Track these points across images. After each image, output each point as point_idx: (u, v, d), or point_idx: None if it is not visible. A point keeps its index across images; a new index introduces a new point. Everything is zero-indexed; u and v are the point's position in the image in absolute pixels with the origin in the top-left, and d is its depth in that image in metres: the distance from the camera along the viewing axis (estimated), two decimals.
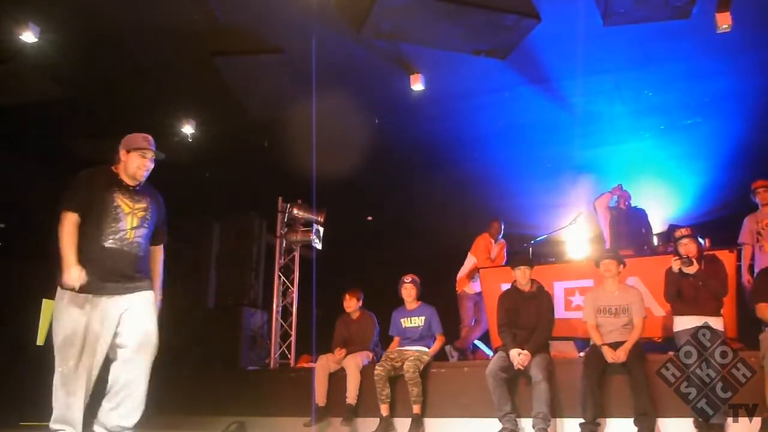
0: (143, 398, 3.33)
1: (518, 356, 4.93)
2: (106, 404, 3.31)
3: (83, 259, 3.23)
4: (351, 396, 5.67)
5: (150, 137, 3.54)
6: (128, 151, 3.46)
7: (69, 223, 3.27)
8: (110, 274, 3.30)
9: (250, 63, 6.15)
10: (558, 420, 5.04)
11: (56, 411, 3.24)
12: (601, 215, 7.19)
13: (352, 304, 6.22)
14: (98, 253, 3.28)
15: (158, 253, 3.65)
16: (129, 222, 3.37)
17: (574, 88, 6.61)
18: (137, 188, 3.48)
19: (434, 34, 5.64)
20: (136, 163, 3.44)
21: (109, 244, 3.31)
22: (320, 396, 5.84)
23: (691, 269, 4.75)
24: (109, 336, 3.29)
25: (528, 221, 8.58)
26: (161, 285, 3.66)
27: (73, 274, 3.17)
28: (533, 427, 4.78)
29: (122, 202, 3.38)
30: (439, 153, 7.89)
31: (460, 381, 5.61)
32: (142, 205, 3.46)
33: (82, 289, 3.23)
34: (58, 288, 3.28)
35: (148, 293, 3.44)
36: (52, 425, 3.25)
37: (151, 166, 3.50)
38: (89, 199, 3.32)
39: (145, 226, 3.45)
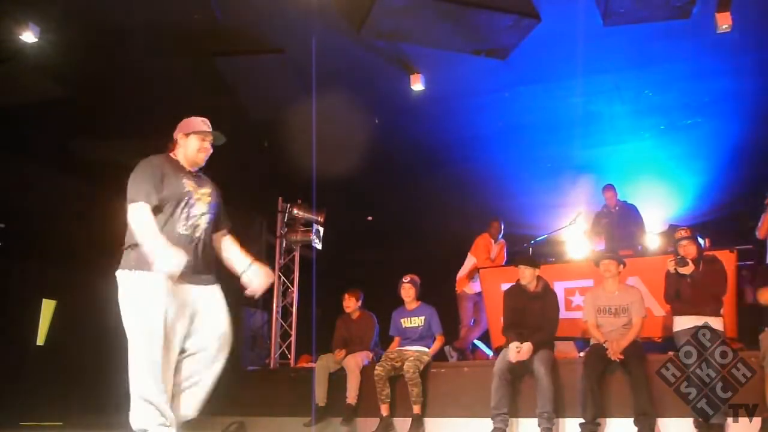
0: (207, 394, 3.24)
1: (516, 351, 4.90)
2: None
3: None
4: (351, 396, 5.67)
5: (207, 120, 3.35)
6: (186, 135, 3.28)
7: (142, 212, 3.02)
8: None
9: (250, 63, 6.15)
10: (558, 420, 5.04)
11: (143, 403, 2.92)
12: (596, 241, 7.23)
13: (351, 304, 6.23)
14: (174, 241, 3.03)
15: (229, 237, 3.43)
16: (199, 208, 3.19)
17: (574, 88, 6.60)
18: (198, 174, 3.32)
19: (434, 34, 5.63)
20: (196, 146, 3.27)
21: (183, 230, 3.11)
22: (320, 396, 5.84)
23: (687, 270, 4.76)
24: (183, 329, 3.06)
25: (528, 221, 8.59)
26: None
27: (174, 255, 2.89)
28: (539, 426, 4.78)
29: (191, 187, 3.20)
30: (439, 153, 7.89)
31: (460, 381, 5.62)
32: (207, 190, 3.28)
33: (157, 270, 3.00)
34: (127, 271, 3.04)
35: (217, 287, 3.23)
36: (140, 424, 2.93)
37: (211, 150, 3.33)
38: (158, 186, 3.09)
39: (211, 212, 3.26)
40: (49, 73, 6.24)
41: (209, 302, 3.17)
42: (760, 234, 6.17)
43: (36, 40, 5.60)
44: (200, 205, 3.20)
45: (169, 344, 2.98)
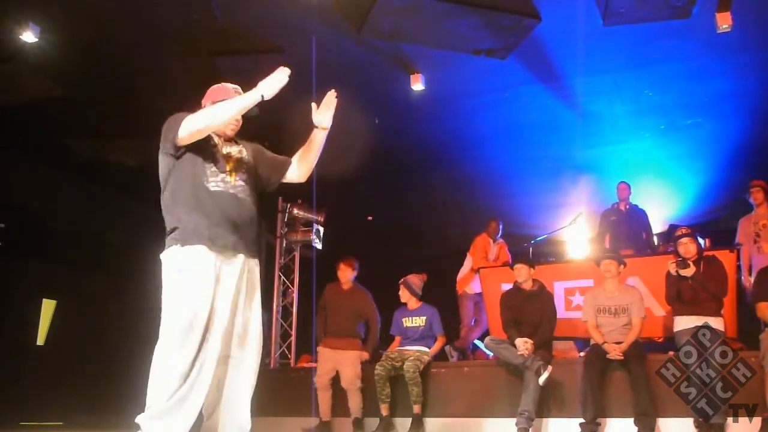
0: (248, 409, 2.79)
1: (524, 344, 4.96)
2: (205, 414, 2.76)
3: (189, 206, 2.71)
4: (355, 410, 5.54)
5: (240, 89, 3.02)
6: (214, 104, 2.93)
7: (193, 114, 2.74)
8: (222, 221, 2.74)
9: (250, 63, 6.14)
10: (557, 420, 5.04)
11: (158, 407, 2.52)
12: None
13: (347, 274, 5.96)
14: (205, 198, 2.74)
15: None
16: (226, 163, 2.86)
17: (574, 88, 6.61)
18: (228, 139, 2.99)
19: (434, 34, 5.63)
20: None
21: (213, 187, 2.76)
22: (324, 411, 5.66)
23: (688, 271, 4.76)
24: (225, 319, 2.68)
25: (528, 221, 8.59)
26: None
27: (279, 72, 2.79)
28: (516, 426, 4.78)
29: (217, 139, 2.89)
30: (439, 153, 7.88)
31: (460, 381, 5.62)
32: (237, 147, 2.95)
33: (202, 239, 2.67)
34: (174, 247, 2.69)
35: (257, 275, 2.88)
36: (147, 424, 2.51)
37: (240, 121, 3.01)
38: None
39: (243, 170, 2.90)
40: (49, 73, 6.24)
41: (248, 293, 2.81)
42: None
43: (36, 40, 5.60)
44: (226, 160, 2.88)
45: (212, 348, 2.63)
